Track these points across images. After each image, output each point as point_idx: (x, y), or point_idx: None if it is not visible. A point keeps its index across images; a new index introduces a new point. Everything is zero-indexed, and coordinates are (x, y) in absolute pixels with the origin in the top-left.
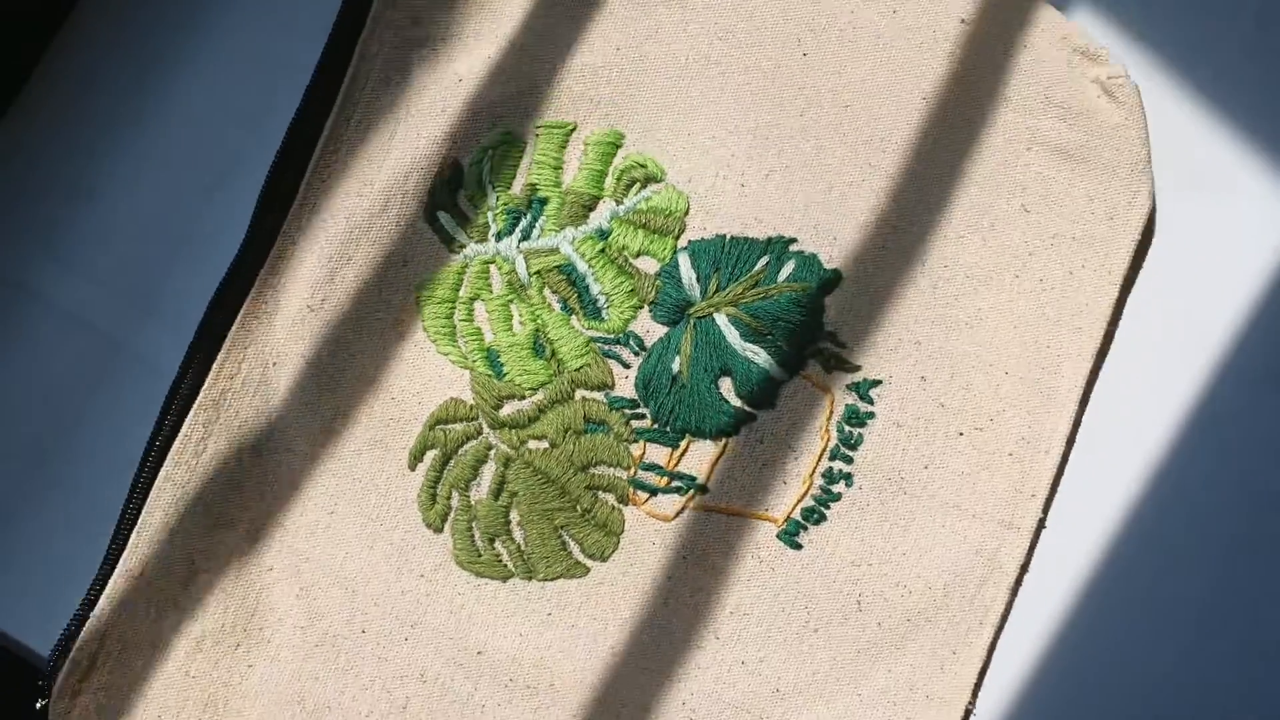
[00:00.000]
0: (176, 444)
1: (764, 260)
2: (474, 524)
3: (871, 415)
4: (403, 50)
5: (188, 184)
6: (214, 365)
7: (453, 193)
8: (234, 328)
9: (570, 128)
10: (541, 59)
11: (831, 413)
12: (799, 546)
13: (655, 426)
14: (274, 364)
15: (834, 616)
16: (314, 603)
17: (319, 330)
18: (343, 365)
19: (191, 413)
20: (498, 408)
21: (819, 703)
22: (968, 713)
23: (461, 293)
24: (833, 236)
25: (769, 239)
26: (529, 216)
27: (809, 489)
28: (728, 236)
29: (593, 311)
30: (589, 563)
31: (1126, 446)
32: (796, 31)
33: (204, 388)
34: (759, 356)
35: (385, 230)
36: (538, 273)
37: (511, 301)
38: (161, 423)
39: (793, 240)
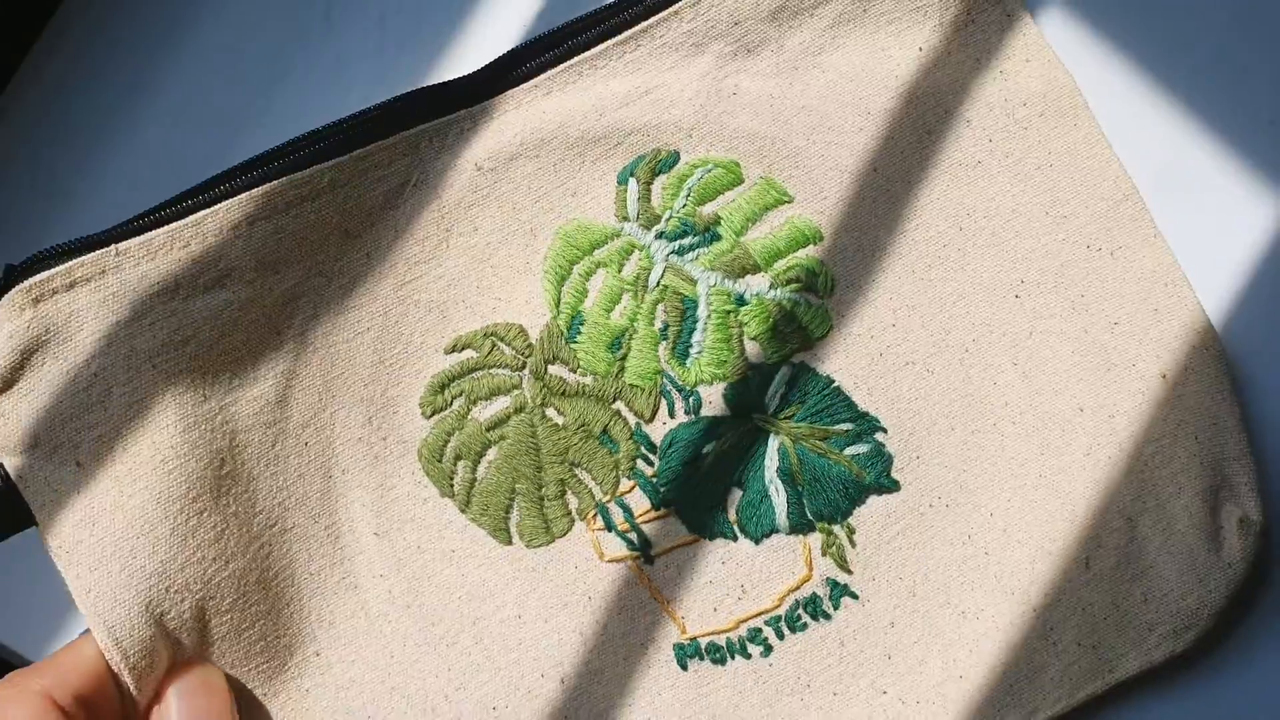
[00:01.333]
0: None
1: (847, 426)
2: (456, 434)
3: (827, 618)
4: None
5: (166, 185)
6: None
7: (655, 172)
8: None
9: (789, 200)
10: (805, 128)
11: (798, 588)
12: (684, 668)
13: (654, 480)
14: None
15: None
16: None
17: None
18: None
19: None
20: (549, 361)
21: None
22: None
23: (597, 253)
24: (916, 456)
25: (865, 413)
26: (697, 240)
27: (730, 630)
28: (835, 384)
29: (681, 352)
30: (514, 537)
31: None
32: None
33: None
34: (777, 498)
35: (572, 165)
36: (664, 287)
37: (627, 291)
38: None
39: (882, 430)
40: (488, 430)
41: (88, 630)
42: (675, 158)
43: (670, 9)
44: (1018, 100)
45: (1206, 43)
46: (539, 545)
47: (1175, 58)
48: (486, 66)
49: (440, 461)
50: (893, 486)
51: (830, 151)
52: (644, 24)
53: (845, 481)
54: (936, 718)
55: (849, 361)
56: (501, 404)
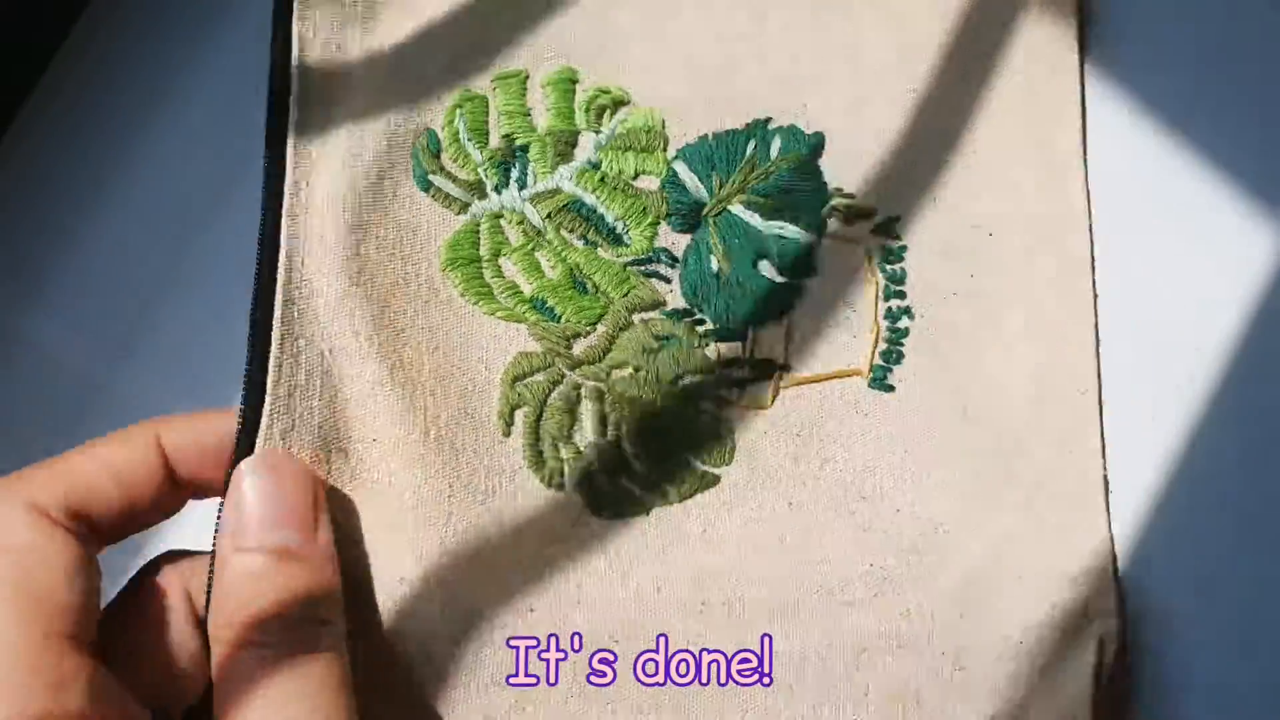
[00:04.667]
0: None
1: (751, 145)
2: (592, 469)
3: (904, 247)
4: (340, 30)
5: (168, 225)
6: (270, 363)
7: (435, 156)
8: (277, 320)
9: (523, 74)
10: (473, 14)
11: (870, 258)
12: (891, 388)
13: (718, 327)
14: (329, 350)
15: (949, 442)
16: (457, 597)
17: (364, 305)
18: (396, 342)
19: (265, 416)
20: (569, 347)
21: (983, 524)
22: (1106, 483)
23: (482, 251)
24: (802, 104)
25: (747, 125)
26: (517, 165)
27: (878, 334)
28: (709, 135)
29: (615, 239)
30: (717, 470)
31: (1123, 498)
32: None
33: (269, 386)
34: (787, 229)
35: (388, 204)
36: (549, 215)
37: (534, 249)
38: (240, 439)
39: (769, 119)
40: (605, 436)
41: (89, 443)
42: (431, 133)
43: None
44: None
45: (1205, 66)
46: (732, 454)
47: (1173, 85)
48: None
49: (615, 497)
50: (818, 137)
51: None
52: None
53: (797, 171)
54: None
55: (694, 115)
56: (586, 411)
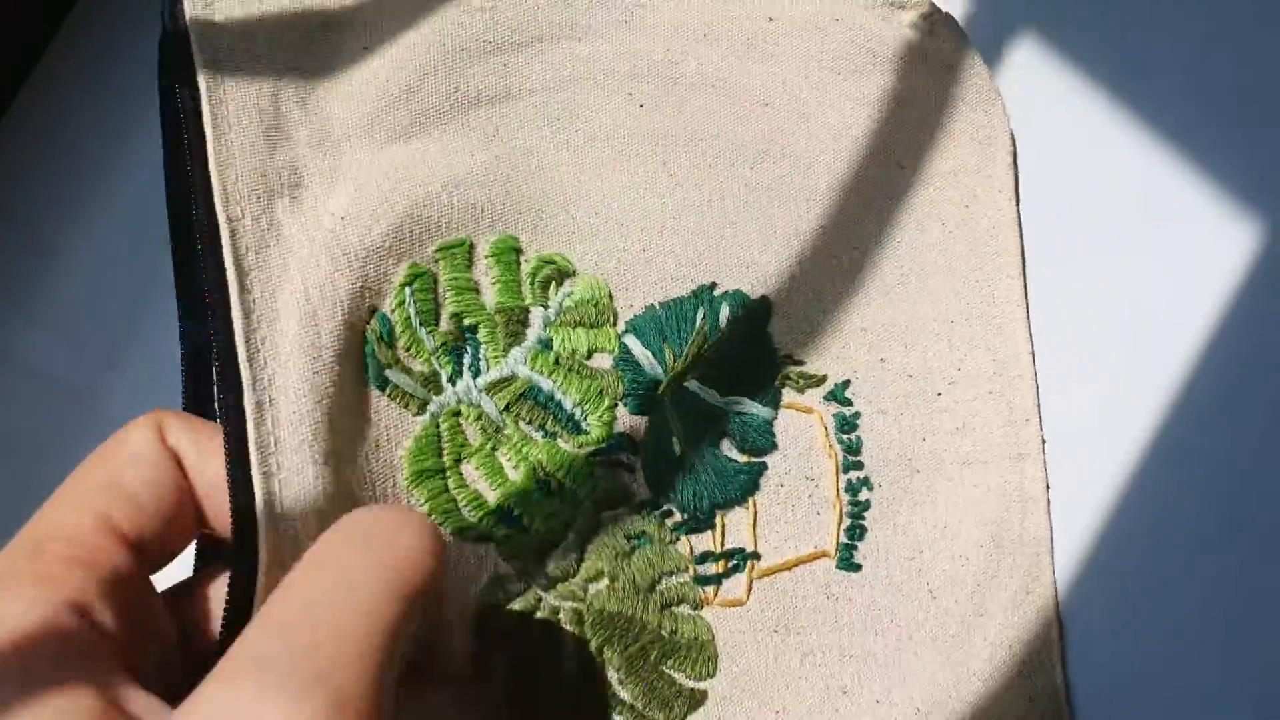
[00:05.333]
0: None
1: (700, 313)
2: (580, 701)
3: (857, 415)
4: (266, 200)
5: (151, 237)
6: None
7: (390, 347)
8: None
9: (467, 243)
10: (408, 181)
11: (826, 429)
12: (858, 566)
13: (687, 518)
14: None
15: (916, 616)
16: None
17: None
18: None
19: None
20: (541, 565)
21: (955, 705)
22: (1061, 643)
23: (444, 459)
24: (745, 266)
25: (693, 292)
26: (470, 351)
27: (841, 509)
28: (656, 304)
29: (574, 427)
30: (703, 685)
31: (1085, 476)
32: (627, 88)
33: None
34: (745, 405)
35: (354, 404)
36: (506, 407)
37: (494, 448)
38: None
39: (714, 285)
40: (594, 661)
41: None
42: (383, 317)
43: None
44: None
45: (1180, 70)
46: (715, 663)
47: (1149, 86)
48: None
49: None
50: (763, 302)
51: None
52: None
53: (748, 341)
54: None
55: (640, 283)
56: (564, 640)
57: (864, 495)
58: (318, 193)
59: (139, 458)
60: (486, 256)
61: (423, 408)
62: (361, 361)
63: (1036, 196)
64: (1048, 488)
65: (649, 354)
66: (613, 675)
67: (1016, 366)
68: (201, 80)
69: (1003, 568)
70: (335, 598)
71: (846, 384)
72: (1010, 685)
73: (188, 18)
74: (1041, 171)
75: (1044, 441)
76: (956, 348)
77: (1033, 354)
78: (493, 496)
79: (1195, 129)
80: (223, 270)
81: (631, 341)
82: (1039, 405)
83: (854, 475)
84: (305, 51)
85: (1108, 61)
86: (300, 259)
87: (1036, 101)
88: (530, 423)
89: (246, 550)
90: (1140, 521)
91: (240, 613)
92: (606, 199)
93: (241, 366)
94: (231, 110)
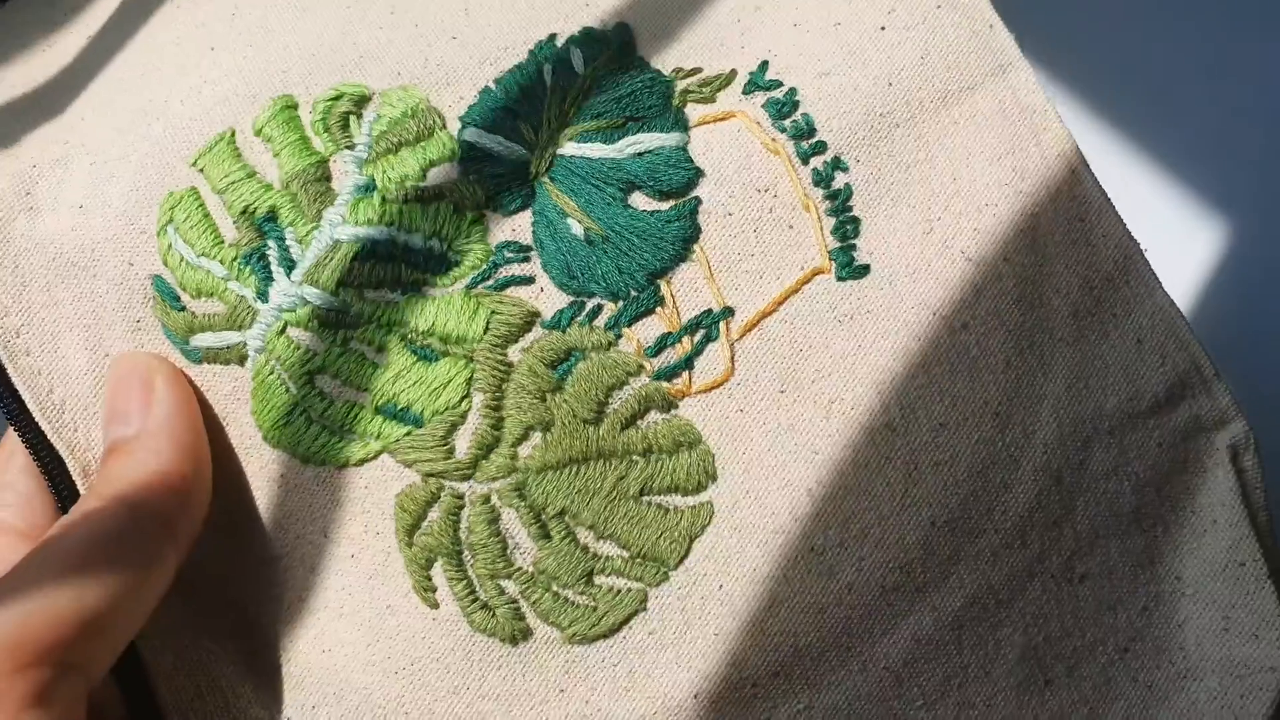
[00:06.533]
0: None
1: (548, 70)
2: (556, 585)
3: (793, 91)
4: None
5: None
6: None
7: (180, 309)
8: None
9: (228, 133)
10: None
11: (758, 123)
12: (866, 269)
13: (622, 304)
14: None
15: (962, 295)
16: None
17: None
18: (272, 592)
19: None
20: (450, 454)
21: (1041, 382)
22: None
23: (292, 389)
24: (584, 4)
25: (531, 52)
26: (274, 244)
27: (816, 208)
28: (489, 84)
29: (438, 264)
30: (704, 497)
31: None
32: None
33: None
34: (643, 141)
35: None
36: (340, 285)
37: (347, 339)
38: None
39: (553, 36)
40: (549, 540)
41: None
42: (160, 281)
43: None
44: None
45: (1149, 71)
46: (711, 462)
47: (1117, 88)
48: None
49: (602, 615)
50: (620, 27)
51: None
52: None
53: (619, 72)
54: None
55: (460, 71)
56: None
57: (840, 180)
58: (52, 188)
59: None
60: (257, 132)
61: (244, 350)
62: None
63: None
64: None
65: (499, 138)
66: (586, 535)
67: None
68: None
69: (1040, 198)
70: None
71: (764, 65)
72: (1107, 332)
73: None
74: None
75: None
76: None
77: None
78: (366, 399)
79: (1158, 137)
80: None
81: (473, 134)
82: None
83: (818, 161)
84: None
85: (1075, 67)
86: (59, 277)
87: None
88: (379, 287)
89: None
90: None
91: None
92: (387, 8)
93: (50, 437)
94: None
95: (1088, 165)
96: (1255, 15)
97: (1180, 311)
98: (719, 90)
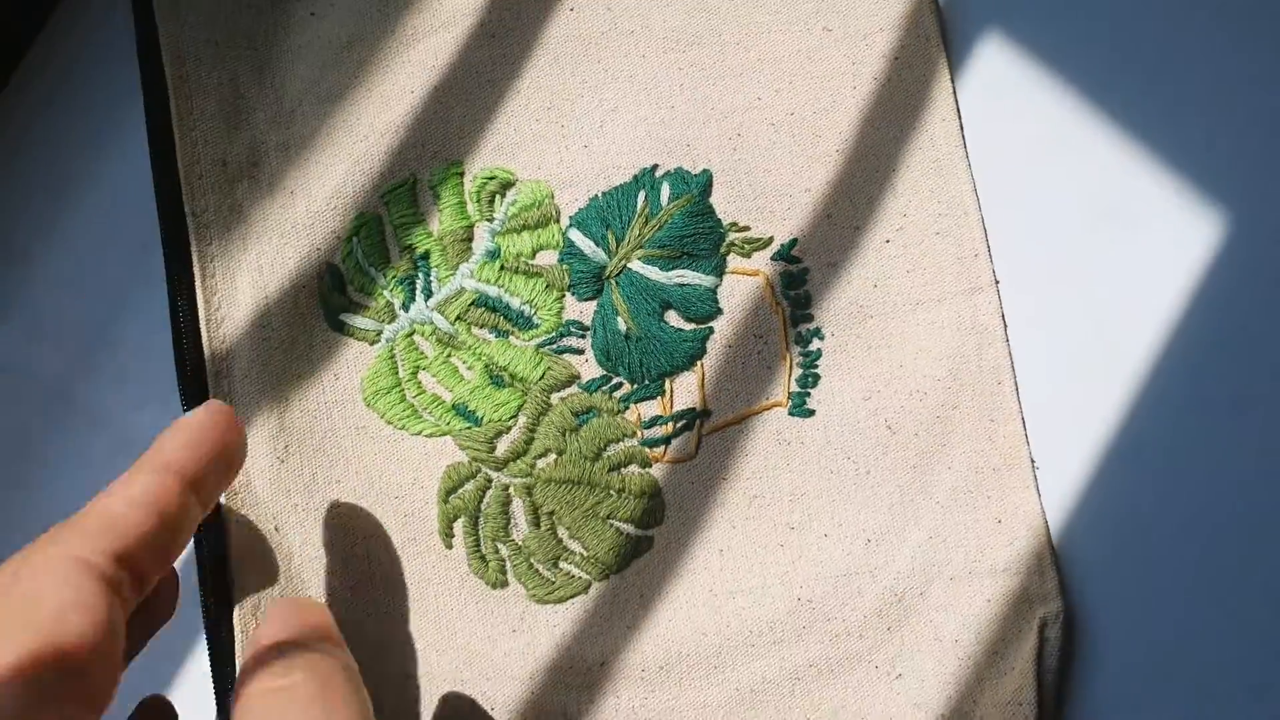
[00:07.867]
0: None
1: (641, 195)
2: (533, 560)
3: (806, 270)
4: (227, 187)
5: (128, 239)
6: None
7: (341, 293)
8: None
9: (410, 180)
10: (348, 139)
11: (772, 287)
12: (811, 412)
13: (636, 387)
14: (275, 528)
15: (874, 451)
16: (431, 702)
17: (298, 475)
18: (331, 495)
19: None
20: (492, 450)
21: (910, 530)
22: (1033, 465)
23: (401, 373)
24: (686, 145)
25: (635, 176)
26: (421, 276)
27: (791, 360)
28: (599, 195)
29: (524, 323)
30: (649, 532)
31: (1051, 476)
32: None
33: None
34: (688, 276)
35: (304, 360)
36: (458, 318)
37: (450, 355)
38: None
39: (655, 167)
40: (539, 527)
41: (120, 479)
42: (334, 269)
43: None
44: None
45: (1140, 71)
46: (662, 513)
47: (1109, 86)
48: None
49: (555, 584)
50: (705, 175)
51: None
52: None
53: (691, 215)
54: None
55: (582, 178)
56: (519, 508)
57: (815, 345)
58: (274, 167)
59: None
60: (432, 187)
61: (378, 337)
62: (309, 320)
63: (997, 198)
64: (1004, 320)
65: (591, 242)
66: (563, 533)
67: (961, 205)
68: (169, 74)
69: (963, 399)
70: None
71: (793, 242)
72: (976, 508)
73: (157, 19)
74: (1002, 174)
75: (997, 279)
76: (900, 195)
77: (975, 191)
78: (449, 397)
79: (1154, 129)
80: (189, 260)
81: (575, 234)
82: (987, 240)
83: (804, 327)
84: (258, 28)
85: (1069, 63)
86: (256, 234)
87: (995, 107)
88: (482, 327)
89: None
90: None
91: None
92: (545, 104)
93: (203, 342)
94: (196, 104)
95: (1015, 381)
96: (1255, 15)
97: (1042, 507)
98: (755, 250)
